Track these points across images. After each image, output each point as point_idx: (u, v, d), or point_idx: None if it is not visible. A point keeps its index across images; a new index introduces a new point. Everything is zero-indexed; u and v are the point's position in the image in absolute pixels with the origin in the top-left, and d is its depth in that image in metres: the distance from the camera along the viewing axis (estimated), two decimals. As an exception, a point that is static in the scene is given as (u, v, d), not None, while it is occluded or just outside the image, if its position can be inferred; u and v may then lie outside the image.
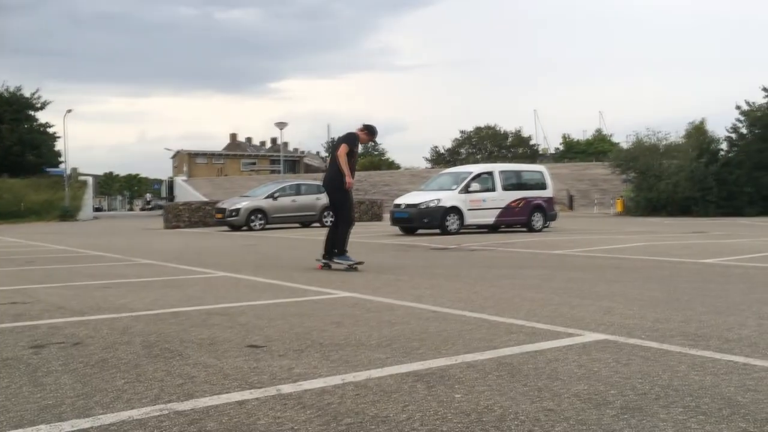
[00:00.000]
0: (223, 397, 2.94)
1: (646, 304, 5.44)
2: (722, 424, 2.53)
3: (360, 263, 8.34)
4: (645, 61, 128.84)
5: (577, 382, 3.11)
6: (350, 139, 8.37)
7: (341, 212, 8.48)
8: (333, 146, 8.77)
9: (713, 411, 2.68)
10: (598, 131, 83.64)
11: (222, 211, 22.89)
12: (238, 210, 22.31)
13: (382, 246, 13.66)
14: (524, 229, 18.52)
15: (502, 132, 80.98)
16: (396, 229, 18.48)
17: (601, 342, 3.99)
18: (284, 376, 3.26)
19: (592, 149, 75.07)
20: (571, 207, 43.00)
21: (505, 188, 18.60)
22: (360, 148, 9.01)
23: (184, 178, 65.20)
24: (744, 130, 34.97)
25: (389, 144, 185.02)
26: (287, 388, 3.06)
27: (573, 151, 78.16)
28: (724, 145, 35.35)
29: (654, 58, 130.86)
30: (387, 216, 22.30)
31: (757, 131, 34.05)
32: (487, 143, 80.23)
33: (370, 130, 8.70)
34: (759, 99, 34.63)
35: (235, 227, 22.31)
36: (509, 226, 18.75)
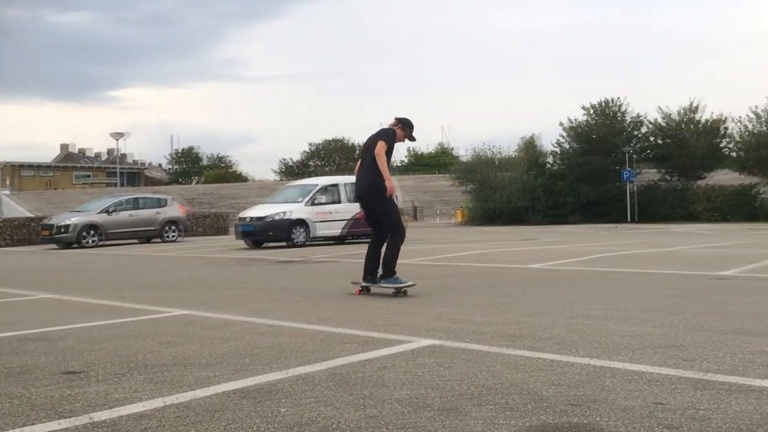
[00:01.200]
0: (27, 430, 2.71)
1: (475, 309, 5.75)
2: (526, 417, 2.73)
3: (412, 285, 6.82)
4: (486, 79, 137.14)
5: (401, 388, 3.21)
6: (388, 135, 6.89)
7: (388, 224, 6.88)
8: (365, 148, 7.08)
9: (519, 406, 2.88)
10: (441, 145, 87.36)
11: (49, 227, 21.18)
12: (67, 226, 20.77)
13: (224, 260, 13.33)
14: (370, 240, 18.88)
15: (350, 145, 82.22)
16: (242, 243, 18.13)
17: (429, 347, 4.16)
18: (100, 403, 3.08)
19: (435, 162, 78.28)
20: (416, 218, 44.51)
21: (352, 200, 18.88)
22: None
23: (6, 192, 59.64)
24: (567, 145, 38.17)
25: (238, 156, 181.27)
26: (101, 415, 2.88)
27: (419, 163, 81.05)
28: (550, 159, 38.44)
29: (494, 76, 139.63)
30: (233, 230, 21.82)
31: (577, 146, 37.34)
32: (336, 156, 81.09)
33: (405, 124, 7.07)
34: (580, 116, 38.00)
35: (65, 245, 20.76)
36: (357, 238, 19.03)
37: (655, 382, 3.20)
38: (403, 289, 6.71)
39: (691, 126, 36.36)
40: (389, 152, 6.85)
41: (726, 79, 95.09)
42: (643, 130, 37.81)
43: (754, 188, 34.62)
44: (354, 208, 18.66)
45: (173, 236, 22.64)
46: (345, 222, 18.45)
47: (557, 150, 38.40)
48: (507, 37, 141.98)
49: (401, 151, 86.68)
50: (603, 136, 36.33)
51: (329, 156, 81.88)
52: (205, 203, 45.08)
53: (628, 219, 33.81)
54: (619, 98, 37.79)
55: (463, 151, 56.32)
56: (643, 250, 12.86)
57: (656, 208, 34.81)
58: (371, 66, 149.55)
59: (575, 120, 37.94)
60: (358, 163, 7.19)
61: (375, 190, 6.76)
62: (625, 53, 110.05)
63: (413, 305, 6.06)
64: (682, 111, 36.91)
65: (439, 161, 77.36)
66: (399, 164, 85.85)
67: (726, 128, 36.55)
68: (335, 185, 18.97)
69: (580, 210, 35.00)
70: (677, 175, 37.20)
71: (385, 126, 7.11)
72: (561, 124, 38.09)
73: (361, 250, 15.95)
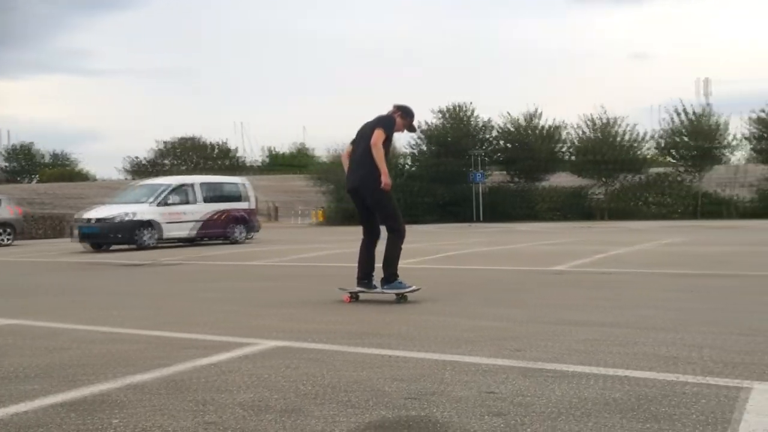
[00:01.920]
0: None
1: (323, 308, 5.76)
2: (366, 413, 2.77)
3: (417, 289, 6.04)
4: (347, 80, 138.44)
5: (244, 392, 3.14)
6: (387, 123, 6.05)
7: (387, 220, 6.09)
8: (359, 135, 6.18)
9: (361, 402, 2.92)
10: (302, 145, 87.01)
11: None
12: None
13: (62, 265, 12.41)
14: (227, 242, 18.42)
15: (207, 144, 79.68)
16: (83, 246, 16.96)
17: (276, 349, 4.11)
18: None
19: (296, 162, 77.85)
20: (276, 218, 43.99)
21: (206, 200, 18.30)
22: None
23: None
24: (424, 147, 39.47)
25: (82, 154, 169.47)
26: None
27: (278, 163, 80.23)
28: (408, 160, 39.57)
29: (355, 77, 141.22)
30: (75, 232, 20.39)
31: (433, 148, 38.73)
32: (192, 154, 78.26)
33: (405, 112, 6.27)
34: (431, 120, 39.40)
35: None
36: (211, 239, 18.48)
37: (488, 373, 3.37)
38: (404, 294, 5.96)
39: (532, 131, 38.97)
40: (387, 143, 6.03)
41: (559, 89, 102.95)
42: (493, 134, 39.95)
43: (587, 189, 37.76)
44: (209, 209, 18.15)
45: (7, 240, 20.78)
46: (199, 223, 17.87)
47: (414, 152, 39.61)
48: (368, 41, 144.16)
49: (261, 152, 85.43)
50: (456, 139, 37.96)
51: (185, 154, 78.89)
52: (46, 204, 41.78)
53: (480, 218, 35.60)
54: (471, 103, 39.71)
55: (324, 150, 56.40)
56: (490, 248, 13.57)
57: (504, 208, 36.91)
58: (225, 63, 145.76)
59: (432, 123, 39.30)
60: (347, 149, 6.31)
61: (370, 183, 5.94)
62: (472, 61, 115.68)
63: (259, 307, 5.96)
64: (526, 116, 39.44)
65: (299, 162, 77.06)
66: (260, 164, 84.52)
67: (561, 134, 39.52)
68: (188, 185, 18.30)
69: (435, 210, 36.31)
70: (523, 177, 39.66)
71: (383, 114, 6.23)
72: (418, 126, 39.30)
73: (213, 252, 15.58)
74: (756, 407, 2.65)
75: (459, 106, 39.56)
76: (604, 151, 36.62)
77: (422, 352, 3.88)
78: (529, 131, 39.10)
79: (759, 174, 38.11)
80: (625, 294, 6.32)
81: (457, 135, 38.23)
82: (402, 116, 6.25)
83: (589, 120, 38.10)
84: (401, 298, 5.96)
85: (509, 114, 39.72)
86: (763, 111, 37.23)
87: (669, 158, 39.55)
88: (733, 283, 6.99)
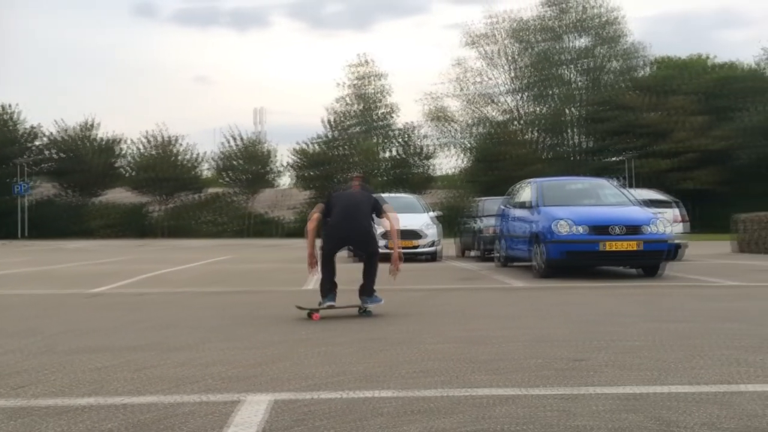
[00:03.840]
0: None
1: None
2: None
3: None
4: None
5: None
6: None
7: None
8: (348, 202, 6.33)
9: None
10: None
11: None
12: None
13: None
14: None
15: None
16: None
17: None
18: None
19: None
20: None
21: None
22: None
23: None
24: None
25: None
26: None
27: None
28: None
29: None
30: None
31: None
32: None
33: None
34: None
35: None
36: None
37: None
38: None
39: (87, 143, 36.79)
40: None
41: (120, 103, 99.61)
42: (38, 142, 36.32)
43: (145, 207, 37.26)
44: None
45: None
46: None
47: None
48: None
49: None
50: (-4, 145, 33.35)
51: None
52: None
53: (25, 235, 31.78)
54: (17, 105, 35.42)
55: None
56: (26, 269, 12.16)
57: (52, 224, 33.82)
58: None
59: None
60: (316, 216, 6.32)
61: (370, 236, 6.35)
62: (21, 61, 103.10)
63: None
64: (78, 127, 36.99)
65: None
66: None
67: (122, 148, 38.34)
68: None
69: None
70: (77, 190, 36.99)
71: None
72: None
73: None
74: (240, 420, 2.83)
75: (3, 107, 34.95)
76: (164, 169, 36.71)
77: None
78: (87, 143, 36.81)
79: (300, 198, 43.13)
80: (153, 314, 6.29)
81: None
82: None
83: (151, 136, 37.77)
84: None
85: (63, 121, 36.72)
86: (305, 143, 42.37)
87: (225, 179, 41.82)
88: (255, 299, 7.62)
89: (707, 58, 53.77)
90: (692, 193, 41.28)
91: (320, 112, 60.07)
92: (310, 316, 5.89)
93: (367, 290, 6.24)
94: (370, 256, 6.32)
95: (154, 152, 37.10)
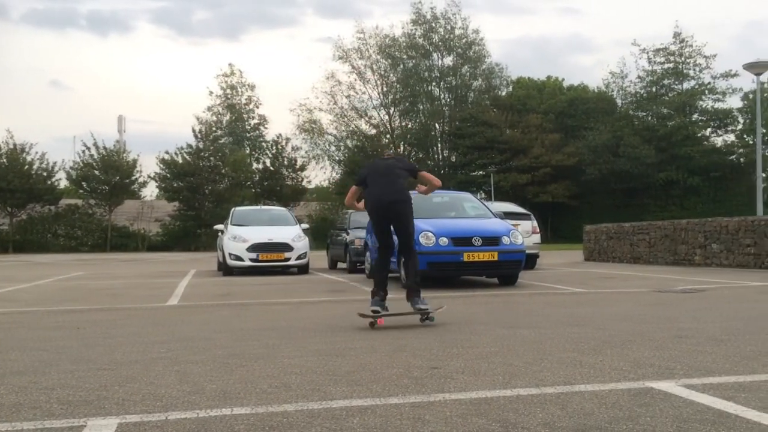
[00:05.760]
0: None
1: None
2: None
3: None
4: None
5: None
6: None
7: (409, 237, 6.40)
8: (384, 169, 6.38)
9: None
10: None
11: None
12: None
13: None
14: None
15: None
16: None
17: None
18: None
19: None
20: None
21: None
22: None
23: None
24: None
25: None
26: None
27: None
28: None
29: None
30: None
31: None
32: None
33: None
34: None
35: None
36: None
37: None
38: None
39: None
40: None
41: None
42: None
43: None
44: None
45: None
46: None
47: None
48: None
49: None
50: None
51: None
52: None
53: None
54: None
55: None
56: None
57: None
58: None
59: None
60: (353, 190, 6.58)
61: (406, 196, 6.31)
62: None
63: None
64: None
65: None
66: None
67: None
68: None
69: None
70: None
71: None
72: None
73: None
74: (83, 446, 2.68)
75: None
76: (12, 179, 33.97)
77: None
78: None
79: (168, 209, 41.42)
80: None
81: None
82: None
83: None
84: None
85: None
86: (168, 153, 40.79)
87: (82, 190, 39.36)
88: (111, 317, 7.22)
89: (562, 80, 57.84)
90: (548, 205, 44.09)
91: (188, 122, 58.39)
92: (372, 325, 5.93)
93: (414, 290, 6.26)
94: (406, 237, 6.27)
95: (1, 161, 34.25)
